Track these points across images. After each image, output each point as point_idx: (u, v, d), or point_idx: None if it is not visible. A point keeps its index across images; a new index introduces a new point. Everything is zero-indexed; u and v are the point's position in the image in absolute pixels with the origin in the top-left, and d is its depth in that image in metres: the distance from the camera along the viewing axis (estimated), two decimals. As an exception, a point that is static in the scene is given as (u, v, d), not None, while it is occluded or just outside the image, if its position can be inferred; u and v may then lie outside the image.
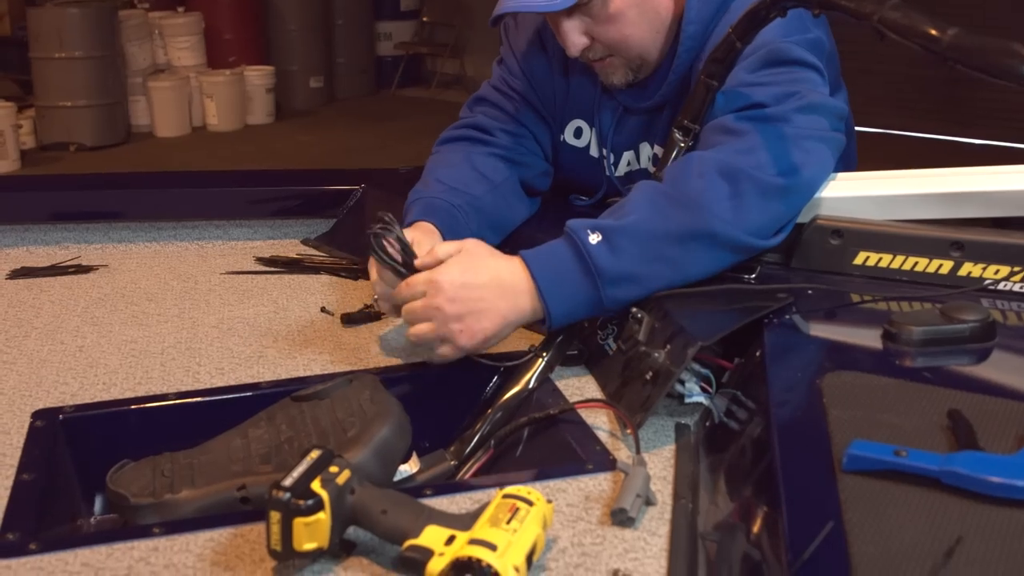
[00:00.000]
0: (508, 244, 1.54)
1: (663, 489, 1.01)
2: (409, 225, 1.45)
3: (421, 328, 1.24)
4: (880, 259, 1.30)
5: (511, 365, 1.25)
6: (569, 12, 1.40)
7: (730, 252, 1.24)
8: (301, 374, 1.29)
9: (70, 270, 1.71)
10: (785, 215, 1.27)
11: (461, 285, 1.22)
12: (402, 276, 1.26)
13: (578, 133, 1.64)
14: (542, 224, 1.63)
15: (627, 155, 1.60)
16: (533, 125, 1.64)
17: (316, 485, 0.88)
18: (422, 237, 1.38)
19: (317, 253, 1.78)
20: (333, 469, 0.90)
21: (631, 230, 1.22)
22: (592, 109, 1.60)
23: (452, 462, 1.13)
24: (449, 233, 1.44)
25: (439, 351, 1.24)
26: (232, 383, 1.28)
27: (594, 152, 1.63)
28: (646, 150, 1.58)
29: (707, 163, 1.25)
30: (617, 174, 1.61)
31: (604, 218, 1.26)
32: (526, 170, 1.63)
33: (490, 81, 1.69)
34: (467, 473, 1.13)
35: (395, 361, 1.33)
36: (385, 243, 1.27)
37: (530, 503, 0.88)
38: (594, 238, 1.22)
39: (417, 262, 1.27)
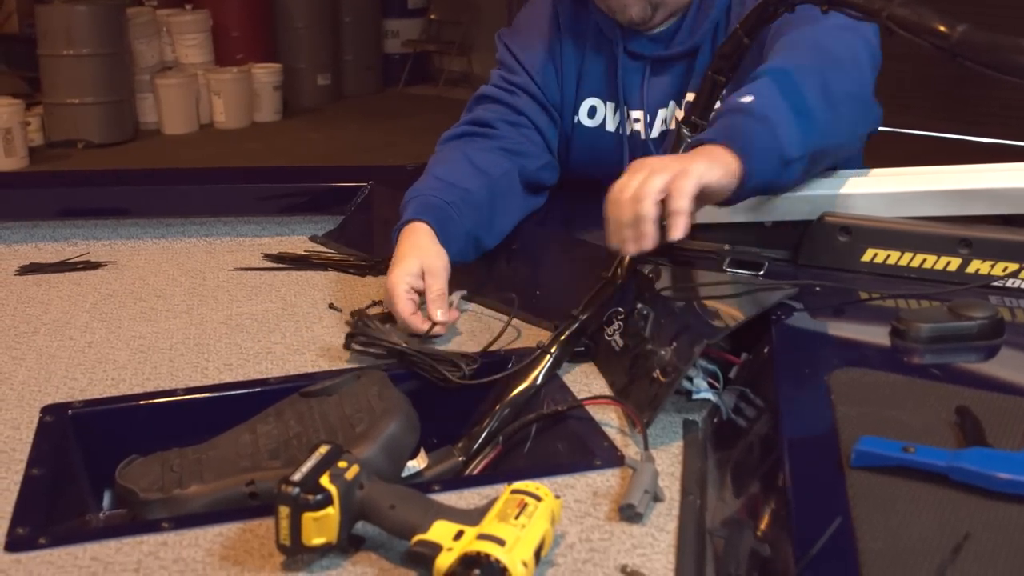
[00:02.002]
0: (529, 241, 1.54)
1: (671, 485, 1.01)
2: (404, 224, 1.47)
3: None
4: (888, 256, 1.29)
5: (519, 363, 1.26)
6: None
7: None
8: (309, 370, 1.29)
9: (79, 266, 1.71)
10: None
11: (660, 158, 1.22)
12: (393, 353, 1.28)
13: (592, 112, 1.64)
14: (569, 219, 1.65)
15: (662, 113, 1.58)
16: (535, 116, 1.64)
17: (325, 480, 0.88)
18: (422, 262, 1.40)
19: (325, 250, 1.78)
20: (342, 464, 0.90)
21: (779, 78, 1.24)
22: (608, 82, 1.60)
23: (460, 458, 1.14)
24: (441, 230, 1.45)
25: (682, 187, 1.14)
26: (240, 379, 1.28)
27: (611, 127, 1.62)
28: (677, 112, 1.56)
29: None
30: (653, 135, 1.60)
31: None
32: (529, 161, 1.63)
33: (489, 82, 1.70)
34: (475, 469, 1.13)
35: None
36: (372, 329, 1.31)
37: (538, 499, 0.88)
38: (747, 98, 1.22)
39: (440, 318, 1.35)
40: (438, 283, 1.39)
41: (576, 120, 1.66)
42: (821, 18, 1.22)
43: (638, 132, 1.63)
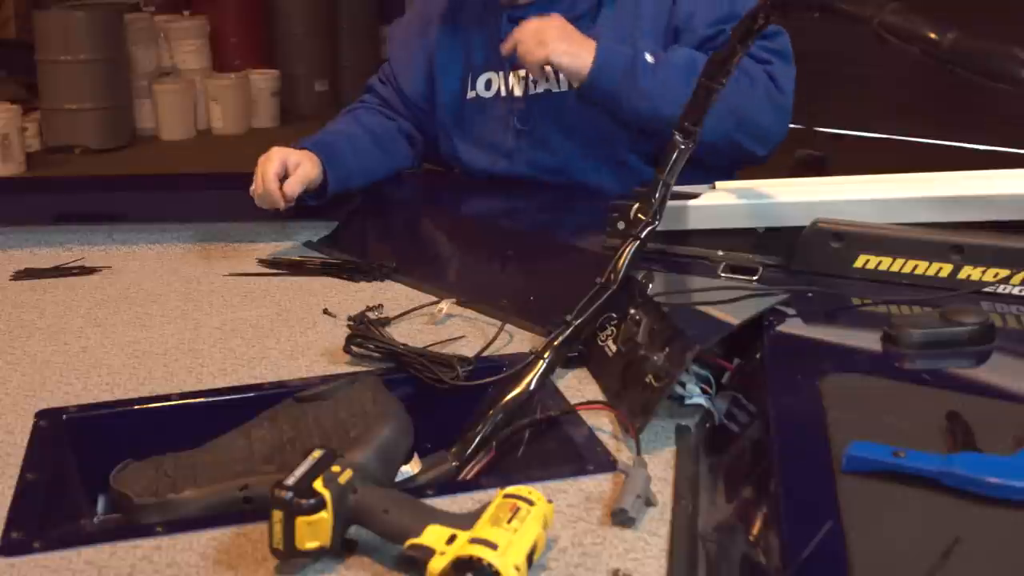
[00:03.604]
0: (522, 247, 1.55)
1: (663, 490, 1.01)
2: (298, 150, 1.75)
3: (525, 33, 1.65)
4: (880, 262, 1.30)
5: (513, 367, 1.26)
6: None
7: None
8: (303, 375, 1.29)
9: (74, 271, 1.72)
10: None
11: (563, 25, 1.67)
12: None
13: (488, 85, 1.86)
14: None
15: (548, 69, 1.73)
16: (396, 104, 1.96)
17: (318, 484, 0.88)
18: (303, 156, 1.72)
19: (319, 255, 1.79)
20: (335, 469, 0.90)
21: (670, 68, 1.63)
22: (497, 53, 1.78)
23: (453, 463, 1.14)
24: (329, 161, 1.75)
25: (533, 53, 1.63)
26: (235, 384, 1.28)
27: (503, 92, 1.84)
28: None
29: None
30: (538, 91, 1.80)
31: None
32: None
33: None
34: (468, 474, 1.13)
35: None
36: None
37: (531, 503, 0.88)
38: (649, 57, 1.63)
39: (287, 189, 1.68)
40: (304, 171, 1.70)
41: (475, 95, 1.86)
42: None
43: (525, 88, 1.81)
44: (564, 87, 1.78)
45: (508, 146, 1.85)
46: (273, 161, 1.69)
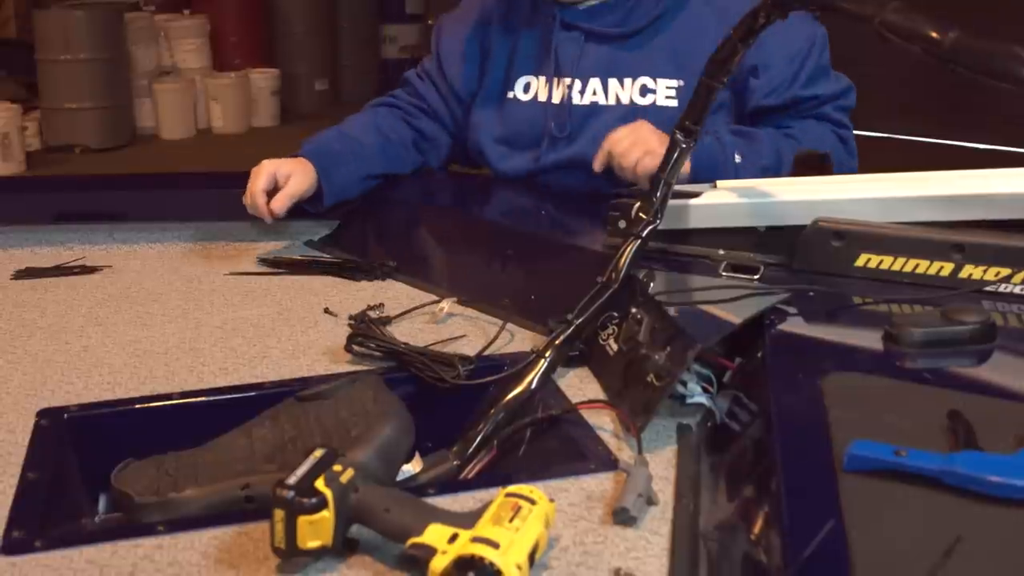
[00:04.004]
0: (524, 246, 1.55)
1: (665, 489, 1.01)
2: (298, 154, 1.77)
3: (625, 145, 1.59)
4: (881, 261, 1.30)
5: (514, 366, 1.26)
6: None
7: None
8: (305, 374, 1.29)
9: (74, 271, 1.71)
10: None
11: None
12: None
13: (527, 88, 1.83)
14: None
15: (593, 82, 1.76)
16: (435, 103, 1.92)
17: (320, 483, 0.88)
18: (295, 168, 1.72)
19: (320, 254, 1.79)
20: (337, 468, 0.90)
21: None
22: (542, 57, 1.79)
23: (455, 462, 1.14)
24: (325, 172, 1.75)
25: (643, 162, 1.55)
26: (236, 383, 1.28)
27: (542, 97, 1.81)
28: (615, 86, 1.76)
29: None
30: (581, 102, 1.77)
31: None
32: (423, 135, 1.92)
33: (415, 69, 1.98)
34: (470, 473, 1.13)
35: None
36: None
37: (532, 502, 0.88)
38: (738, 158, 1.62)
39: (275, 206, 1.70)
40: (293, 186, 1.71)
41: (512, 96, 1.84)
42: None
43: (569, 96, 1.78)
44: (611, 101, 1.76)
45: (540, 151, 1.82)
46: (261, 176, 1.70)
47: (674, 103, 1.71)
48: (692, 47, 1.67)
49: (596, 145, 1.68)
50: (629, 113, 1.72)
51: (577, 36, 1.77)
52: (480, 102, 1.89)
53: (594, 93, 1.77)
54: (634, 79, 1.75)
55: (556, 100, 1.80)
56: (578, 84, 1.77)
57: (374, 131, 1.88)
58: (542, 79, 1.81)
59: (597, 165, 1.63)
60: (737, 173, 1.59)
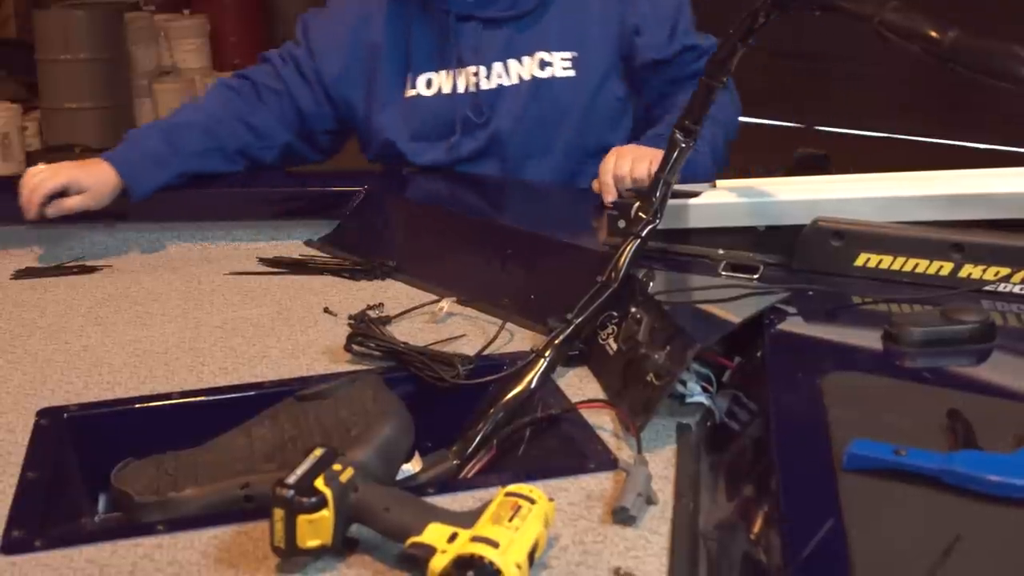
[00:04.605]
0: (523, 246, 1.55)
1: (664, 488, 1.01)
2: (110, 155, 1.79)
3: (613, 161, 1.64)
4: (881, 260, 1.30)
5: (513, 366, 1.26)
6: None
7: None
8: (304, 374, 1.29)
9: (74, 270, 1.72)
10: None
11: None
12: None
13: (429, 84, 1.89)
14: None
15: (496, 66, 1.85)
16: (296, 87, 1.90)
17: (320, 483, 0.88)
18: (93, 185, 1.74)
19: (320, 254, 1.78)
20: (336, 467, 0.90)
21: None
22: (442, 51, 1.86)
23: (454, 462, 1.14)
24: (135, 178, 1.77)
25: (635, 169, 1.59)
26: (236, 382, 1.28)
27: (447, 90, 1.87)
28: (515, 66, 1.85)
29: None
30: (489, 86, 1.85)
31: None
32: (262, 130, 1.91)
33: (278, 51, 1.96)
34: (469, 472, 1.13)
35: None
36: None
37: (532, 501, 0.88)
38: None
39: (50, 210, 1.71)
40: (77, 204, 1.73)
41: (415, 93, 1.88)
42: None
43: (477, 83, 1.86)
44: (515, 80, 1.86)
45: (452, 141, 1.89)
46: (55, 182, 1.73)
47: (572, 72, 1.86)
48: (579, 19, 1.86)
49: (509, 126, 1.86)
50: (533, 87, 1.85)
51: (475, 25, 1.86)
52: (380, 106, 1.91)
53: (499, 76, 1.86)
54: (532, 55, 1.86)
55: (461, 90, 1.87)
56: (483, 71, 1.86)
57: (211, 134, 1.87)
58: (443, 73, 1.87)
59: (608, 198, 1.62)
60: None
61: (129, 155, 1.80)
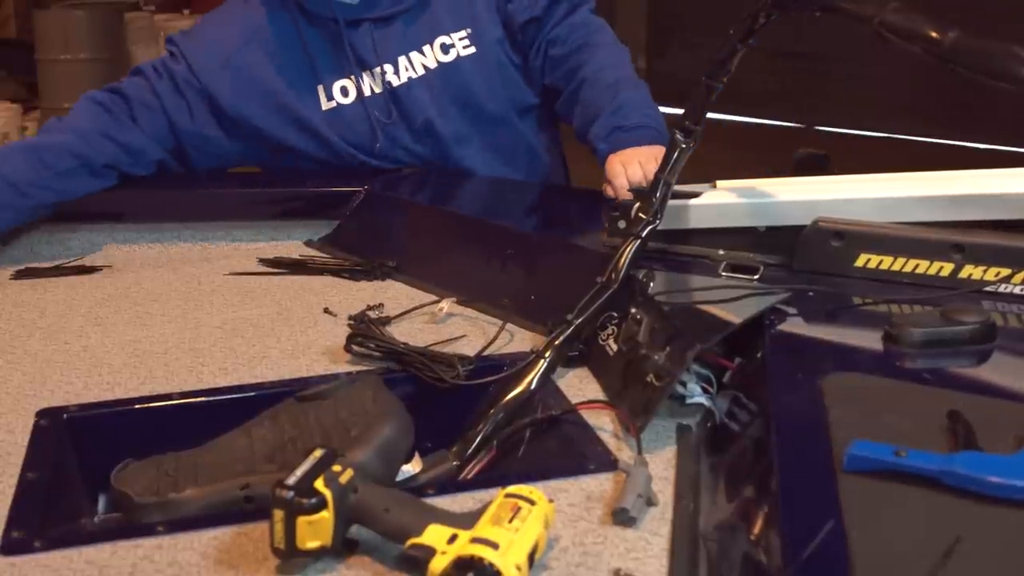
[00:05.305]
0: (523, 246, 1.55)
1: (664, 489, 1.01)
2: None
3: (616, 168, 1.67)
4: (881, 261, 1.30)
5: (513, 367, 1.26)
6: None
7: None
8: (304, 374, 1.29)
9: (74, 271, 1.72)
10: None
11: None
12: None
13: (345, 91, 1.90)
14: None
15: (401, 60, 1.89)
16: (169, 101, 1.87)
17: (319, 484, 0.88)
18: None
19: (320, 254, 1.78)
20: (336, 468, 0.90)
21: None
22: (343, 59, 1.87)
23: (454, 462, 1.14)
24: None
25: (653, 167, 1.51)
26: (235, 383, 1.28)
27: (366, 91, 1.89)
28: (417, 57, 1.90)
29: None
30: (400, 83, 1.89)
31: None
32: (130, 148, 1.85)
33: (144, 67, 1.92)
34: (469, 473, 1.13)
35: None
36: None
37: (532, 502, 0.88)
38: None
39: None
40: None
41: (335, 103, 1.90)
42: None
43: (386, 82, 1.89)
44: (420, 71, 1.90)
45: (380, 143, 1.91)
46: None
47: (472, 49, 1.91)
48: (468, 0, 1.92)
49: (425, 117, 1.89)
50: (441, 73, 1.90)
51: (367, 27, 1.88)
52: (298, 125, 1.90)
53: (406, 69, 1.90)
54: (431, 43, 1.91)
55: (378, 91, 1.90)
56: (390, 68, 1.89)
57: (70, 155, 1.79)
58: (353, 78, 1.90)
59: (621, 195, 1.64)
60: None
61: None
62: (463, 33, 1.91)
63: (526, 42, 1.94)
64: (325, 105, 1.91)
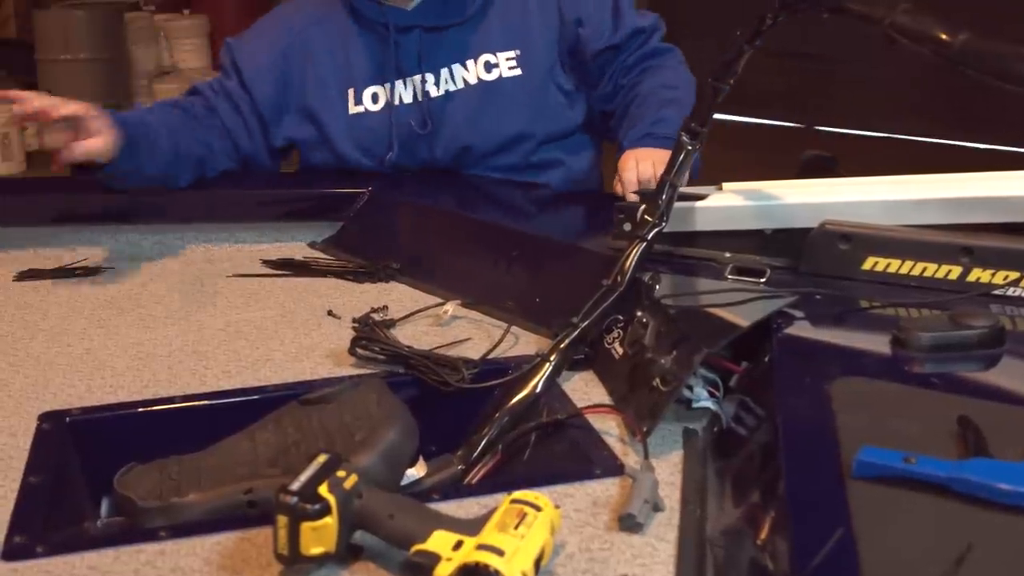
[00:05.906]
0: (528, 249, 1.54)
1: (671, 495, 1.00)
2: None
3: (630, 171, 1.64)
4: (889, 264, 1.29)
5: (518, 370, 1.25)
6: None
7: None
8: (308, 377, 1.29)
9: (77, 272, 1.71)
10: None
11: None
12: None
13: (375, 98, 1.90)
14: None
15: (443, 72, 1.88)
16: (228, 119, 1.91)
17: (323, 489, 0.87)
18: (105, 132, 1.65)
19: (324, 256, 1.78)
20: (340, 473, 0.90)
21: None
22: (384, 64, 1.87)
23: (459, 467, 1.13)
24: (130, 142, 1.69)
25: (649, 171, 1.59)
26: (239, 386, 1.28)
27: (397, 100, 1.88)
28: (460, 70, 1.88)
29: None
30: (438, 94, 1.88)
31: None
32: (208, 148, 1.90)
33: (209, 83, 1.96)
34: (474, 478, 1.13)
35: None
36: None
37: (538, 508, 0.88)
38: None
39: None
40: (92, 147, 1.64)
41: (362, 109, 1.89)
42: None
43: (425, 92, 1.88)
44: (460, 85, 1.88)
45: (393, 153, 1.91)
46: (72, 107, 1.63)
47: (517, 71, 1.89)
48: (519, 17, 1.89)
49: (457, 131, 1.88)
50: (481, 90, 1.88)
51: (417, 33, 1.87)
52: (326, 124, 1.91)
53: (446, 82, 1.88)
54: (476, 59, 1.89)
55: (409, 100, 1.89)
56: (431, 77, 1.88)
57: (172, 134, 1.84)
58: (387, 85, 1.89)
59: (628, 189, 1.64)
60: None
61: (136, 122, 1.76)
62: (511, 54, 1.89)
63: (596, 68, 1.91)
64: (352, 109, 1.90)
